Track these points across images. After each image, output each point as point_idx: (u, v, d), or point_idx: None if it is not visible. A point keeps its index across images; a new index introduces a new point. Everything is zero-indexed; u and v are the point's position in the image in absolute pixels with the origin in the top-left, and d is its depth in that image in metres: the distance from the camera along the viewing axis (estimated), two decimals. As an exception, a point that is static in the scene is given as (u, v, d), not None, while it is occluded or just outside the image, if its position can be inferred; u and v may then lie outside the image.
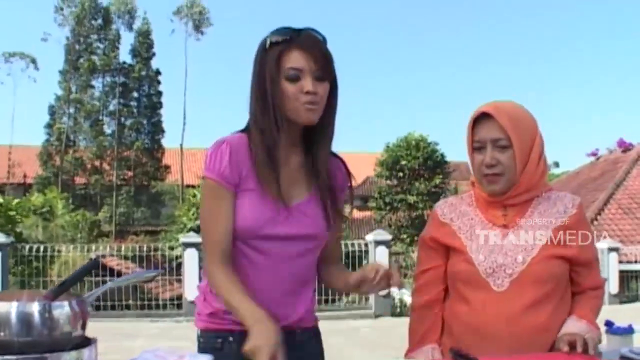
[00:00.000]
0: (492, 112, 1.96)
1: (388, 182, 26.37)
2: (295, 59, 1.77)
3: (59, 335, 1.39)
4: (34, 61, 37.17)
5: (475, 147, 2.00)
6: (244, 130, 1.90)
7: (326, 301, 12.35)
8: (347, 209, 2.08)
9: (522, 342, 1.90)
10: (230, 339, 1.85)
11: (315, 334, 2.01)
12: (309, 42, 1.80)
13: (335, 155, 1.98)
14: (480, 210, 2.07)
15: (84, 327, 1.44)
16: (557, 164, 41.17)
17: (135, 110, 38.32)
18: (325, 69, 1.80)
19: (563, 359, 1.78)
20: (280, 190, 1.81)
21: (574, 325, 1.94)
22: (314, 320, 2.01)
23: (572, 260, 2.00)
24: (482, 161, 1.97)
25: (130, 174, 36.42)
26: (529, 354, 1.89)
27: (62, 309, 1.41)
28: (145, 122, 38.08)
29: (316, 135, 1.88)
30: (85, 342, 1.44)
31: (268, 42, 1.80)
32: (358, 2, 66.59)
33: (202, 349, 1.89)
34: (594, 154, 21.91)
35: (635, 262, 14.96)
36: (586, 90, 70.54)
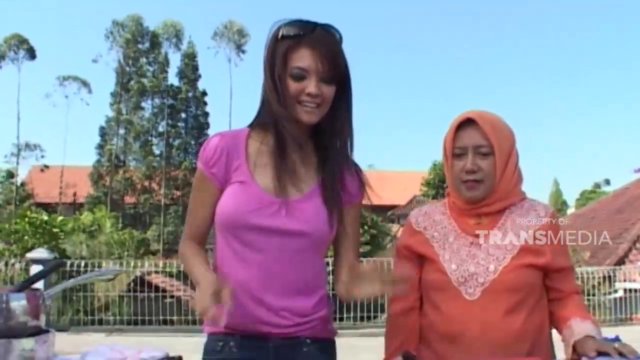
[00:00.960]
0: (476, 119, 1.96)
1: (434, 201, 26.08)
2: (303, 58, 1.73)
3: (15, 324, 1.50)
4: (85, 84, 38.13)
5: (456, 153, 1.99)
6: (251, 126, 1.88)
7: (368, 318, 12.25)
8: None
9: (496, 349, 1.87)
10: (232, 343, 1.81)
11: (326, 348, 1.90)
12: (319, 41, 1.74)
13: (355, 165, 1.92)
14: (454, 219, 2.06)
15: (38, 317, 1.54)
16: (608, 182, 40.40)
17: (183, 131, 39.04)
18: (332, 71, 1.75)
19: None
20: (273, 183, 1.76)
21: (580, 327, 1.88)
22: (329, 331, 1.93)
23: (545, 268, 1.98)
24: (463, 167, 1.97)
25: (178, 193, 36.94)
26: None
27: (19, 301, 1.52)
28: (192, 142, 38.70)
29: (326, 136, 1.85)
30: (41, 332, 1.55)
31: (280, 34, 1.76)
32: (403, 22, 66.56)
33: (204, 352, 1.86)
34: (641, 171, 21.40)
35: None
36: (636, 106, 68.95)
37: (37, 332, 1.53)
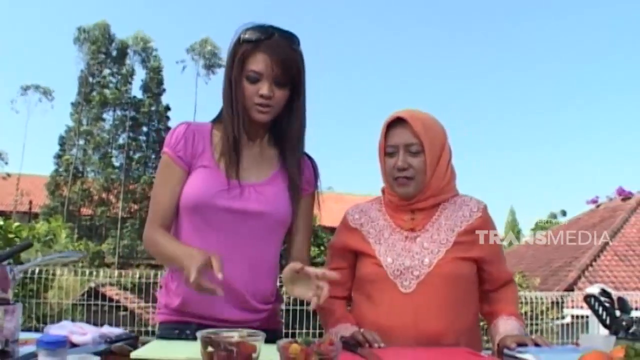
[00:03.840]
0: (406, 118, 2.05)
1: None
2: (258, 63, 1.88)
3: (-18, 296, 1.60)
4: (48, 92, 37.57)
5: (388, 151, 2.09)
6: (213, 121, 2.03)
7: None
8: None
9: (429, 342, 1.95)
10: (188, 331, 1.89)
11: (276, 337, 1.93)
12: (275, 48, 1.88)
13: (308, 157, 2.11)
14: (389, 215, 2.14)
15: (6, 291, 1.63)
16: (564, 213, 41.03)
17: (143, 145, 38.55)
18: (285, 76, 1.90)
19: (465, 355, 1.84)
20: (234, 169, 1.92)
21: (505, 325, 2.02)
22: (278, 322, 2.08)
23: (479, 260, 2.08)
24: (394, 165, 2.06)
25: (136, 207, 36.39)
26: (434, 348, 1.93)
27: (-13, 275, 1.62)
28: (153, 156, 38.20)
29: (283, 132, 2.01)
30: (8, 304, 1.64)
31: (241, 39, 1.91)
32: (385, 49, 67.29)
33: (159, 338, 1.94)
34: (594, 202, 21.91)
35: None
36: (592, 138, 70.50)
37: (5, 304, 1.62)
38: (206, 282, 1.61)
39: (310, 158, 2.13)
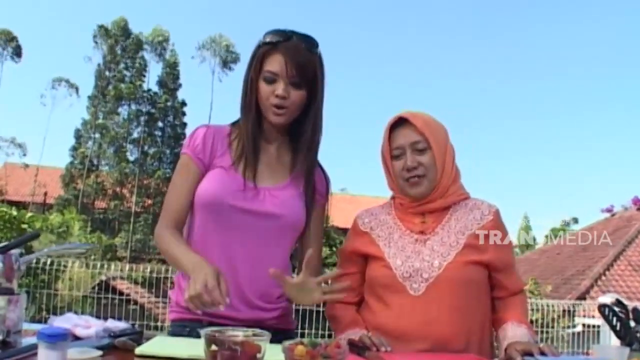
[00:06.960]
0: (408, 117, 2.05)
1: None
2: (274, 63, 1.89)
3: (-11, 285, 1.58)
4: (75, 87, 37.86)
5: (394, 154, 2.07)
6: (233, 124, 2.05)
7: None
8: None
9: (437, 345, 1.93)
10: (199, 329, 1.88)
11: (288, 337, 2.03)
12: (292, 49, 1.89)
13: (321, 168, 2.12)
14: (399, 218, 2.12)
15: (11, 281, 1.63)
16: (576, 220, 40.87)
17: (159, 140, 38.70)
18: (301, 77, 1.90)
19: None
20: (251, 172, 1.94)
21: (514, 331, 1.98)
22: (290, 322, 2.07)
23: (489, 265, 2.05)
24: (403, 166, 2.04)
25: (149, 202, 36.55)
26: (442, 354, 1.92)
27: (-5, 263, 1.60)
28: (168, 151, 38.40)
29: (298, 137, 2.01)
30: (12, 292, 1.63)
31: (261, 42, 1.94)
32: (390, 52, 67.18)
33: (170, 336, 1.96)
34: (609, 210, 21.72)
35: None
36: (608, 146, 69.84)
37: (9, 293, 1.61)
38: (209, 296, 1.60)
39: (322, 170, 2.14)
